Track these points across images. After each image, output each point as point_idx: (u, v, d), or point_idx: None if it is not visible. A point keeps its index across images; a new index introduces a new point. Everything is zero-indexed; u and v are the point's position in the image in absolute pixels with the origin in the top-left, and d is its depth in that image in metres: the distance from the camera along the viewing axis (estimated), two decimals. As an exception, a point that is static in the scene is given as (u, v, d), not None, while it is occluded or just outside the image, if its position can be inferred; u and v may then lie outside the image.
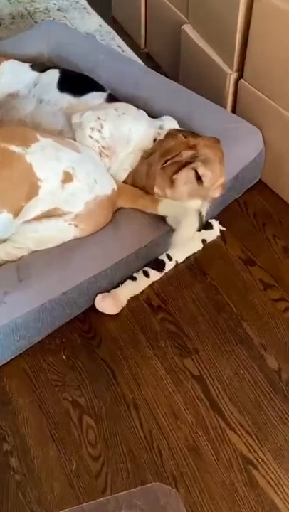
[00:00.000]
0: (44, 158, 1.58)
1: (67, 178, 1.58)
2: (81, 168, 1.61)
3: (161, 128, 1.79)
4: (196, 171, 1.66)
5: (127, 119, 1.76)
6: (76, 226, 1.60)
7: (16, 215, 1.55)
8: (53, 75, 1.93)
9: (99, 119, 1.72)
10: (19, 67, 1.99)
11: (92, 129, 1.71)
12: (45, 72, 1.95)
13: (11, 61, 2.02)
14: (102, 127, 1.71)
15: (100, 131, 1.71)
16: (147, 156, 1.73)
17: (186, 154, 1.67)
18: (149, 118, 1.82)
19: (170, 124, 1.81)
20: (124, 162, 1.75)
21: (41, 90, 1.91)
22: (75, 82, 1.92)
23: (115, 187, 1.67)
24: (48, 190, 1.56)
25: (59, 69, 1.96)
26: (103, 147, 1.71)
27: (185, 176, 1.67)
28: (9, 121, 1.90)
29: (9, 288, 1.48)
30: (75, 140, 1.73)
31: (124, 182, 1.74)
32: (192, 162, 1.67)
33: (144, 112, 1.83)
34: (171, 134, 1.75)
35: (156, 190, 1.69)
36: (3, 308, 1.46)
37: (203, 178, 1.66)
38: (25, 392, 1.49)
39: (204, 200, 1.67)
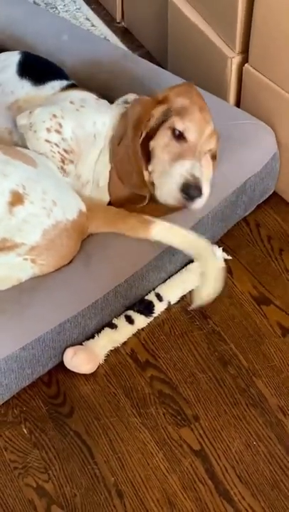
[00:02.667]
0: None
1: (17, 199, 1.67)
2: (35, 186, 1.70)
3: (126, 102, 1.92)
4: (173, 130, 1.78)
5: (88, 111, 1.88)
6: (33, 262, 1.71)
7: None
8: (13, 57, 2.07)
9: (55, 116, 1.82)
10: None
11: (48, 130, 1.82)
12: (4, 53, 2.09)
13: None
14: (61, 126, 1.82)
15: (58, 131, 1.82)
16: (118, 140, 1.85)
17: (158, 112, 1.80)
18: (111, 105, 1.95)
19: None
20: (100, 162, 1.88)
21: None
22: (39, 68, 2.06)
23: (83, 208, 1.78)
24: None
25: (20, 50, 2.11)
26: (65, 151, 1.82)
27: (162, 139, 1.79)
28: None
29: None
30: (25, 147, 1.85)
31: (109, 185, 1.85)
32: (167, 120, 1.79)
33: (104, 101, 1.96)
34: (134, 101, 1.87)
35: (147, 176, 1.81)
36: None
37: (186, 134, 1.78)
38: (-24, 477, 1.59)
39: (195, 160, 1.77)
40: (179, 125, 1.78)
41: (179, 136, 1.78)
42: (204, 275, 1.76)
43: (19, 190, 1.68)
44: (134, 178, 1.81)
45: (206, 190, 1.80)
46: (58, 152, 1.81)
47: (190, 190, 1.75)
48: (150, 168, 1.82)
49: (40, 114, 1.83)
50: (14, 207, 1.67)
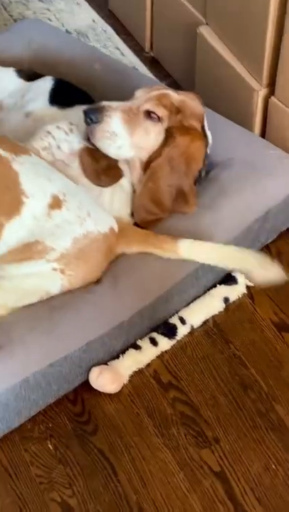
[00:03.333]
0: (34, 173, 1.76)
1: (56, 204, 1.76)
2: (73, 196, 1.79)
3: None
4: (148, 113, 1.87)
5: None
6: (62, 272, 1.76)
7: None
8: (45, 84, 2.15)
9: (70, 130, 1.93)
10: (1, 73, 2.21)
11: (58, 128, 1.93)
12: (37, 81, 2.17)
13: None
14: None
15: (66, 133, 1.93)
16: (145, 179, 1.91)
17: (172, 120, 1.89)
18: None
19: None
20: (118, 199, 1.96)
21: (29, 101, 2.13)
22: (69, 95, 2.14)
23: (115, 226, 1.85)
24: (31, 213, 1.72)
25: (53, 77, 2.19)
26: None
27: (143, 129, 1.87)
28: None
29: (-14, 357, 1.65)
30: None
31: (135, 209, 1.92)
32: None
33: None
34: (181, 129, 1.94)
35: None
36: (-21, 384, 1.62)
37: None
38: (2, 490, 1.63)
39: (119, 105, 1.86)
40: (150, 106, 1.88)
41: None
42: (252, 265, 1.87)
43: (60, 196, 1.76)
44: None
45: (108, 123, 1.83)
46: (49, 143, 1.90)
47: (89, 112, 1.84)
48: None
49: (61, 121, 1.96)
50: (53, 210, 1.75)
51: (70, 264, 1.76)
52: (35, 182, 1.75)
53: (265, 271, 1.87)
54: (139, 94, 1.91)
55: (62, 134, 1.91)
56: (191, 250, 1.86)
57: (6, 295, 1.75)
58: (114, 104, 1.86)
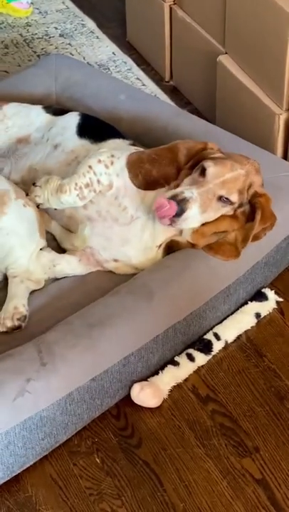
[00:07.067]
0: None
1: None
2: None
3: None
4: (202, 168, 1.92)
5: None
6: None
7: None
8: (72, 119, 2.25)
9: (112, 156, 2.02)
10: (29, 110, 2.32)
11: (98, 161, 2.01)
12: (64, 115, 2.28)
13: (14, 104, 2.35)
14: (112, 164, 2.01)
15: (106, 166, 2.01)
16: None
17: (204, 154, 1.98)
18: None
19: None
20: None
21: (57, 135, 2.23)
22: (97, 128, 2.24)
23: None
24: None
25: (79, 112, 2.29)
26: (98, 182, 2.00)
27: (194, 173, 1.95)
28: (20, 170, 2.21)
29: (32, 374, 1.73)
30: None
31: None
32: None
33: None
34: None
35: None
36: (28, 399, 1.69)
37: (206, 171, 1.90)
38: (54, 503, 1.71)
39: (195, 188, 1.88)
40: (207, 164, 1.92)
41: (203, 173, 1.91)
42: None
43: None
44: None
45: (189, 215, 1.88)
46: (90, 179, 1.99)
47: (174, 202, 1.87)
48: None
49: (103, 151, 2.05)
50: None
51: None
52: None
53: None
54: (212, 171, 1.90)
55: (103, 168, 2.01)
56: None
57: None
58: (194, 192, 1.88)
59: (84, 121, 2.25)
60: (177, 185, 1.95)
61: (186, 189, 1.88)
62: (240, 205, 1.95)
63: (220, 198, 1.91)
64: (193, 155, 2.00)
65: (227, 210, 1.93)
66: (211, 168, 1.90)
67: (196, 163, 1.97)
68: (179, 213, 1.86)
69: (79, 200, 2.01)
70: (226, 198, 1.91)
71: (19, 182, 2.18)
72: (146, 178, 2.00)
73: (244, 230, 1.95)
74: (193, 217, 1.89)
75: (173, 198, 1.86)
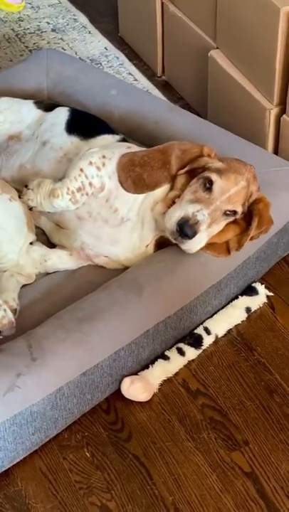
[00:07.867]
0: None
1: None
2: None
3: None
4: (206, 181, 1.90)
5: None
6: None
7: None
8: (61, 115, 2.25)
9: (104, 157, 2.01)
10: (20, 105, 2.31)
11: (90, 163, 2.00)
12: (53, 111, 2.27)
13: (6, 98, 2.35)
14: (104, 165, 2.00)
15: (98, 168, 2.00)
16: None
17: (203, 161, 1.95)
18: None
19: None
20: (144, 205, 2.03)
21: (45, 131, 2.22)
22: (86, 124, 2.23)
23: None
24: None
25: (68, 107, 2.28)
26: (90, 184, 1.99)
27: (194, 184, 1.92)
28: (10, 168, 2.21)
29: (22, 369, 1.73)
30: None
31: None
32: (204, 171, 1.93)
33: None
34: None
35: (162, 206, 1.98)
36: (18, 394, 1.70)
37: (213, 187, 1.89)
38: (44, 496, 1.71)
39: (205, 208, 1.87)
40: (213, 178, 1.90)
41: (208, 188, 1.90)
42: None
43: None
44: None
45: (200, 238, 1.89)
46: (82, 182, 1.99)
47: (185, 226, 1.87)
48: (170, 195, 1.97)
49: (93, 152, 2.03)
50: None
51: None
52: None
53: None
54: (218, 187, 1.89)
55: (95, 171, 2.00)
56: None
57: None
58: (205, 214, 1.87)
59: (73, 117, 2.24)
60: (177, 196, 1.94)
61: (197, 210, 1.86)
62: (242, 213, 1.95)
63: (225, 212, 1.92)
64: (189, 160, 1.98)
65: (230, 220, 1.94)
66: (217, 183, 1.89)
67: (192, 169, 1.96)
68: (191, 236, 1.86)
69: (72, 205, 2.01)
70: (231, 211, 1.92)
71: (9, 180, 2.17)
72: (135, 182, 1.99)
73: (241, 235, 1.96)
74: (203, 239, 1.90)
75: (185, 221, 1.85)
